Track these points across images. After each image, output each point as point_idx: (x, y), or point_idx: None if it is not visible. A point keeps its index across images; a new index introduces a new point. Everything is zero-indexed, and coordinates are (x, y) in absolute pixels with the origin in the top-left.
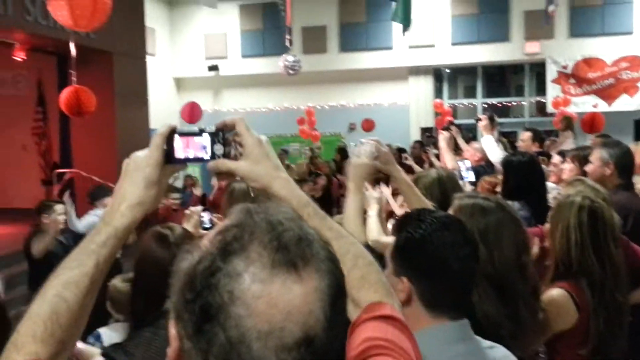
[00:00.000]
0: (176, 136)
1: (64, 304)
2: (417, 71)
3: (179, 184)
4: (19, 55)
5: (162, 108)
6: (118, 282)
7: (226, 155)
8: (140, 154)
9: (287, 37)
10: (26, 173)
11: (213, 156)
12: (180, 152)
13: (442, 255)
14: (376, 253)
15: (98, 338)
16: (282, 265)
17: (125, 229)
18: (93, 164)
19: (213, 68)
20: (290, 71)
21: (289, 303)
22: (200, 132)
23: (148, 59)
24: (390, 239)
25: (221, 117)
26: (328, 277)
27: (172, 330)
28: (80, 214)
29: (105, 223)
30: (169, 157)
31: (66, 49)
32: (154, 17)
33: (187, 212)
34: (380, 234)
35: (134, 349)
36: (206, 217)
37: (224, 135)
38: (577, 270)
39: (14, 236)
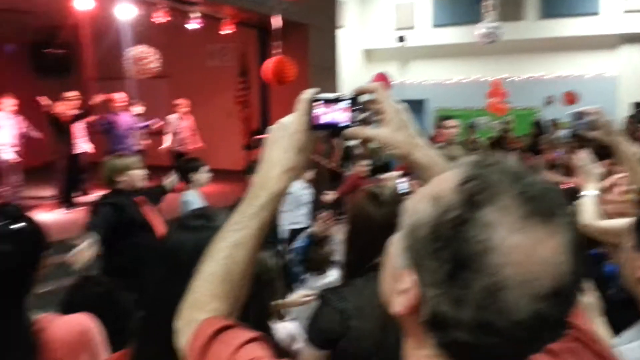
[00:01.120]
0: (317, 102)
1: (235, 264)
2: (631, 39)
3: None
4: (227, 29)
5: (351, 80)
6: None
7: (365, 122)
8: (286, 120)
9: (487, 1)
10: (229, 138)
11: (352, 123)
12: (320, 118)
13: None
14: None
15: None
16: (535, 216)
17: (280, 193)
18: None
19: (401, 39)
20: (489, 39)
21: (542, 254)
22: (339, 99)
23: (338, 31)
24: (608, 223)
25: (406, 90)
26: (571, 230)
27: (407, 278)
28: None
29: (260, 188)
30: (310, 123)
31: (267, 22)
32: None
33: (384, 176)
34: (595, 217)
35: (348, 295)
36: (404, 182)
37: (363, 102)
38: None
39: (220, 194)
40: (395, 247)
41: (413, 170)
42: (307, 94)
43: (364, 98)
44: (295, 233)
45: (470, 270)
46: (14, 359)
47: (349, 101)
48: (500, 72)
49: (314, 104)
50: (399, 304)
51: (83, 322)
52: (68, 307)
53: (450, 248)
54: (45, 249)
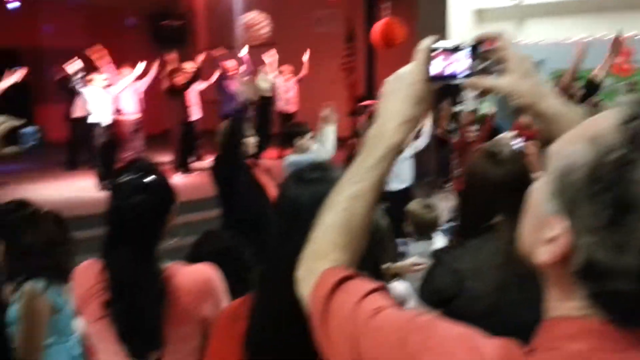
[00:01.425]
0: (435, 52)
1: (354, 216)
2: None
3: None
4: None
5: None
6: (415, 206)
7: (485, 72)
8: (403, 71)
9: None
10: (335, 105)
11: (472, 72)
12: (438, 68)
13: None
14: None
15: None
16: None
17: (397, 146)
18: None
19: None
20: None
21: None
22: (458, 48)
23: None
24: None
25: (522, 50)
26: None
27: (557, 225)
28: None
29: (377, 140)
30: (427, 74)
31: None
32: None
33: (498, 137)
34: None
35: (463, 255)
36: (518, 142)
37: (483, 51)
38: None
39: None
40: (541, 193)
41: (537, 122)
42: (425, 42)
43: (485, 46)
44: (398, 193)
45: (637, 213)
46: (146, 302)
47: (469, 50)
48: (626, 29)
49: (432, 53)
50: (546, 253)
51: (207, 272)
52: (193, 261)
53: (613, 191)
54: (174, 203)
